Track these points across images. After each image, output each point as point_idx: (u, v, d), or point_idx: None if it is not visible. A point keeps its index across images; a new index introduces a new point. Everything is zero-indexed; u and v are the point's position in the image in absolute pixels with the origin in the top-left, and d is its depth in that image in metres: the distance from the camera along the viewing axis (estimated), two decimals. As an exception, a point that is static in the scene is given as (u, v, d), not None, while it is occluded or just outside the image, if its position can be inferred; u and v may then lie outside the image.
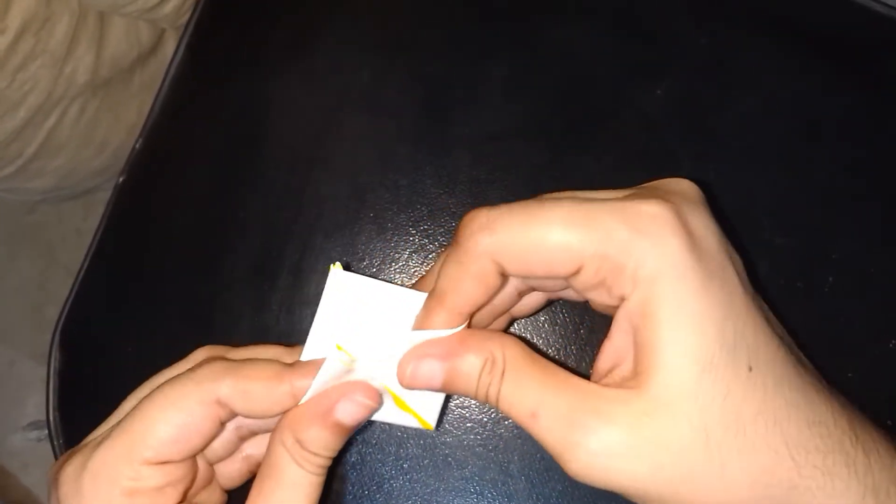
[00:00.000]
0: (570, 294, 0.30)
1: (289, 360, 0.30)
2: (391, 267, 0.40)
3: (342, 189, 0.41)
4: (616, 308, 0.27)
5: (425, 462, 0.39)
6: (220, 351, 0.32)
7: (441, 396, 0.31)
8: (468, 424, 0.39)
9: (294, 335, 0.40)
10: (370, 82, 0.42)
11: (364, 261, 0.40)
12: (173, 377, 0.29)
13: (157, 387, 0.29)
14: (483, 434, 0.38)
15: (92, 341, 0.41)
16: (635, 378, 0.25)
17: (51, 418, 0.41)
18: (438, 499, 0.38)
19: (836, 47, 0.41)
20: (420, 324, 0.28)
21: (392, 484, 0.38)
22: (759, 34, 0.42)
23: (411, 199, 0.41)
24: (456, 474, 0.38)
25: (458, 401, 0.39)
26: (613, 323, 0.27)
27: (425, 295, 0.28)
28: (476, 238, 0.26)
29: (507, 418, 0.38)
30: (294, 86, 0.42)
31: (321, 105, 0.42)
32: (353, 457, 0.39)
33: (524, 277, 0.28)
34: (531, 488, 0.38)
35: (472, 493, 0.38)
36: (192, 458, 0.30)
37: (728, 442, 0.24)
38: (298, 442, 0.28)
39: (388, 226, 0.40)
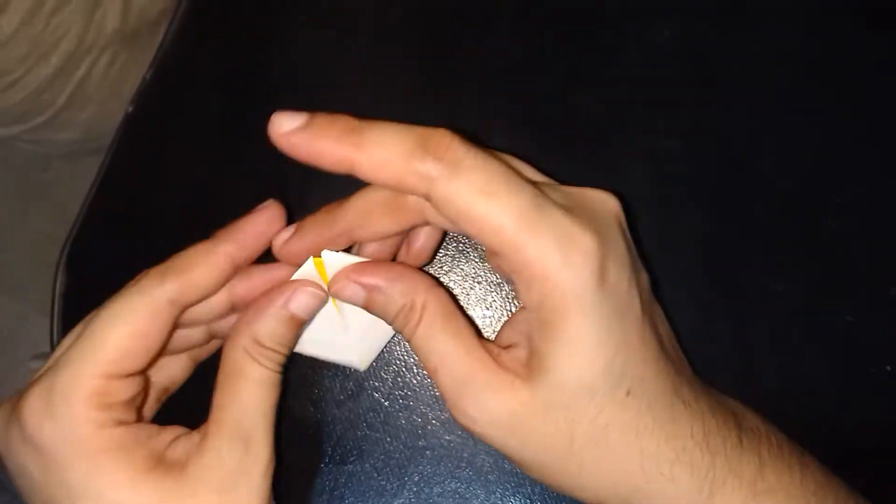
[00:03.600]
0: None
1: None
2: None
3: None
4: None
5: (423, 393, 0.39)
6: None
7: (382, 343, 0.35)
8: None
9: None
10: (377, 10, 0.42)
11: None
12: (119, 293, 0.31)
13: (105, 305, 0.30)
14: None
15: (97, 264, 0.42)
16: (526, 369, 0.28)
17: (55, 341, 0.42)
18: (434, 431, 0.39)
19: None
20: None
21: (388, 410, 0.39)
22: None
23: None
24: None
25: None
26: (518, 314, 0.31)
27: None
28: (442, 167, 0.27)
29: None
30: (300, 13, 0.42)
31: (327, 32, 0.42)
32: (350, 383, 0.39)
33: (443, 226, 0.30)
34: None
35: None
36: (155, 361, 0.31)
37: (590, 448, 0.28)
38: (256, 342, 0.30)
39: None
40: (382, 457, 0.38)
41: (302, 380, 0.39)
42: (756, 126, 0.40)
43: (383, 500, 0.38)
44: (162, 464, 0.29)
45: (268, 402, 0.31)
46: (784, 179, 0.39)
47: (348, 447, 0.39)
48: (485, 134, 0.40)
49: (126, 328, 0.29)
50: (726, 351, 0.39)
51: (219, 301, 0.33)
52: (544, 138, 0.40)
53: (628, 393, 0.28)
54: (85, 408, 0.28)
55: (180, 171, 0.42)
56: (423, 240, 0.33)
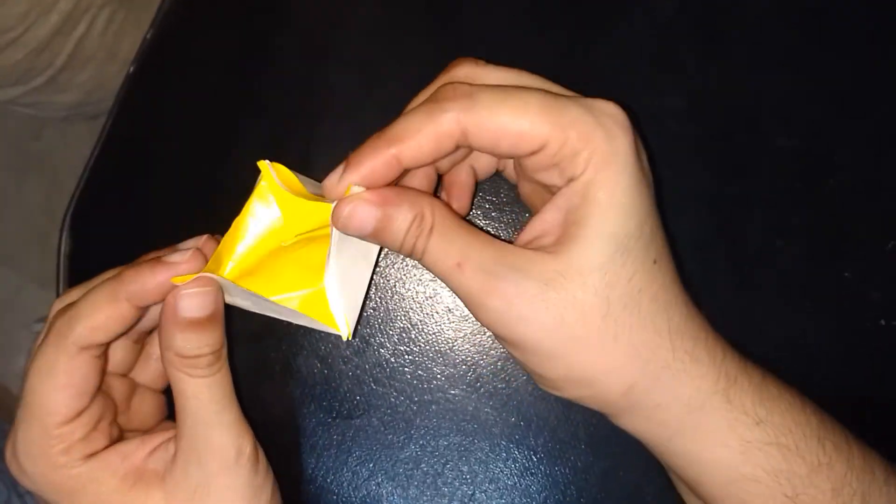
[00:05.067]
0: (507, 173, 0.35)
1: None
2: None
3: (351, 78, 0.41)
4: (550, 192, 0.30)
5: (428, 348, 0.40)
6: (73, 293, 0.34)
7: (359, 303, 0.33)
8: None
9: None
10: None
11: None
12: (40, 339, 0.32)
13: (33, 355, 0.32)
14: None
15: (101, 226, 0.42)
16: (556, 245, 0.29)
17: (61, 302, 0.42)
18: (439, 385, 0.39)
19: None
20: (359, 157, 0.29)
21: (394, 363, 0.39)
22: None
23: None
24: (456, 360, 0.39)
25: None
26: (550, 202, 0.30)
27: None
28: (458, 103, 0.28)
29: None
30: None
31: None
32: (356, 340, 0.40)
33: (487, 151, 0.30)
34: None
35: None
36: (97, 393, 0.32)
37: (625, 317, 0.28)
38: (178, 355, 0.31)
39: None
40: (389, 411, 0.39)
41: (309, 337, 0.40)
42: (759, 86, 0.40)
43: (390, 452, 0.39)
44: (142, 479, 0.32)
45: (208, 409, 0.31)
46: (785, 139, 0.40)
47: (355, 402, 0.39)
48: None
49: (51, 382, 0.31)
50: (729, 304, 0.39)
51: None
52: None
53: (655, 261, 0.29)
54: (47, 459, 0.31)
55: (182, 132, 0.42)
56: (461, 183, 0.34)
